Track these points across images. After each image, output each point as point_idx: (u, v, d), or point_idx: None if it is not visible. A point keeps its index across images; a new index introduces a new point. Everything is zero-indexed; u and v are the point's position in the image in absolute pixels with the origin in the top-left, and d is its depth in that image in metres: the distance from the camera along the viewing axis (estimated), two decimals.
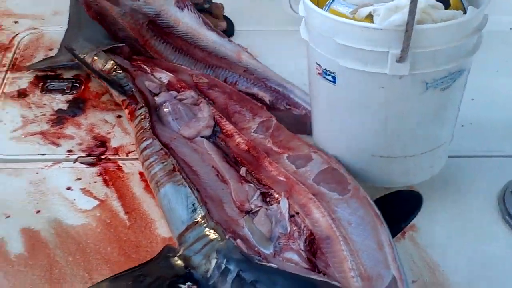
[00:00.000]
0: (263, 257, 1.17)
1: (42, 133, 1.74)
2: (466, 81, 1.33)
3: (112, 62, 1.81)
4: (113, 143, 1.70)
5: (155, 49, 1.92)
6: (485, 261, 1.36)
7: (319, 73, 1.32)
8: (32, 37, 2.16)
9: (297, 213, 1.25)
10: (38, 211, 1.50)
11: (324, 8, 1.29)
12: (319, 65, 1.31)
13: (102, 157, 1.66)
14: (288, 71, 1.84)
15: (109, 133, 1.74)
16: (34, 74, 1.98)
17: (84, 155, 1.66)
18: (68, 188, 1.56)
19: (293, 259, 1.17)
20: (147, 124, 1.53)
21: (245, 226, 1.25)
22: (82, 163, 1.64)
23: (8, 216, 1.49)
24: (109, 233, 1.43)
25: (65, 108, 1.84)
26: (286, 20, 2.00)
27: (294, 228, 1.23)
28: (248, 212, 1.29)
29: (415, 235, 1.40)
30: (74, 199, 1.53)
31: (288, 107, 1.74)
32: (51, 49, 2.08)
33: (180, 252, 1.24)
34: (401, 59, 1.18)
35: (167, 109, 1.61)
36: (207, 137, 1.52)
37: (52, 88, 1.93)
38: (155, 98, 1.67)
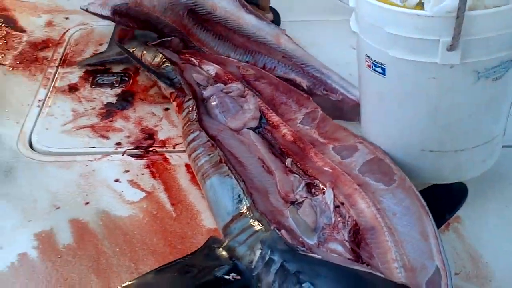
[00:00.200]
0: (307, 247, 1.16)
1: (92, 127, 1.77)
2: None
3: (161, 56, 1.83)
4: (161, 136, 1.72)
5: (197, 37, 1.94)
6: None
7: (368, 65, 1.30)
8: (82, 32, 2.20)
9: (342, 204, 1.24)
10: (87, 203, 1.52)
11: None
12: (369, 57, 1.30)
13: (150, 149, 1.67)
14: (331, 61, 1.83)
15: (156, 125, 1.76)
16: (84, 68, 2.01)
17: (132, 147, 1.68)
18: (116, 180, 1.58)
19: (337, 250, 1.16)
20: (194, 117, 1.54)
21: (290, 216, 1.24)
22: (130, 155, 1.66)
23: (58, 208, 1.51)
24: (155, 225, 1.44)
25: (114, 101, 1.87)
26: (333, 10, 1.99)
27: (339, 219, 1.22)
28: (293, 203, 1.28)
29: (459, 226, 1.38)
30: (122, 191, 1.54)
31: (325, 92, 1.74)
32: (101, 44, 2.11)
33: (225, 243, 1.24)
34: (452, 47, 1.15)
35: (214, 102, 1.61)
36: (253, 129, 1.52)
37: (101, 82, 1.96)
38: (203, 91, 1.67)
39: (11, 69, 2.03)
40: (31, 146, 1.72)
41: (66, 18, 2.27)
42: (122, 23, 2.00)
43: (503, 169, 1.48)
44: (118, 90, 1.91)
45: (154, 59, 1.83)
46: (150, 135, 1.72)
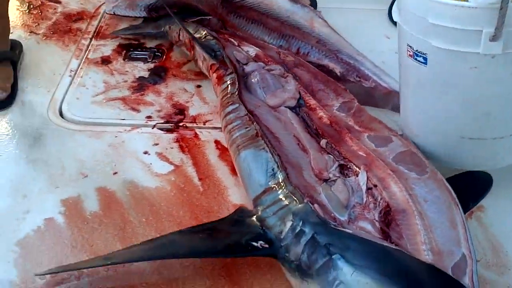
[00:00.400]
0: (338, 223, 1.16)
1: (123, 99, 1.77)
2: None
3: (202, 31, 1.83)
4: (192, 112, 1.72)
5: (231, 23, 1.93)
6: None
7: (410, 55, 1.31)
8: None
9: (375, 186, 1.23)
10: (115, 173, 1.52)
11: None
12: (410, 47, 1.31)
13: (180, 124, 1.67)
14: (365, 49, 1.82)
15: (188, 101, 1.76)
16: (117, 42, 2.01)
17: (163, 121, 1.68)
18: (145, 153, 1.58)
19: (367, 228, 1.15)
20: (235, 90, 1.54)
21: (323, 192, 1.24)
22: (160, 129, 1.66)
23: (86, 176, 1.51)
24: (182, 197, 1.44)
25: (146, 76, 1.87)
26: None
27: (371, 200, 1.21)
28: (326, 181, 1.28)
29: (482, 215, 1.37)
30: (151, 163, 1.54)
31: (358, 79, 1.73)
32: (135, 19, 2.09)
33: (256, 213, 1.24)
34: (494, 37, 1.16)
35: (256, 78, 1.61)
36: (291, 108, 1.52)
37: (134, 56, 1.96)
38: (244, 66, 1.67)
39: (44, 38, 2.04)
40: (61, 114, 1.73)
41: None
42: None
43: None
44: (151, 65, 1.91)
45: (195, 33, 1.83)
46: (181, 110, 1.72)
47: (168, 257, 1.25)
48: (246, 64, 1.68)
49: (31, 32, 2.05)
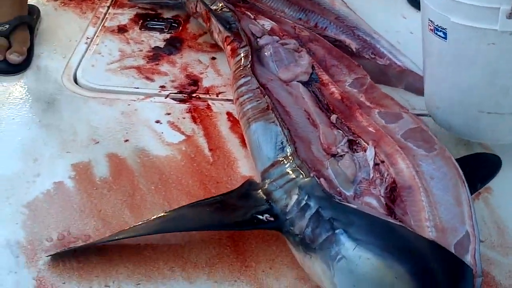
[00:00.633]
0: (344, 197, 1.15)
1: (138, 68, 1.77)
2: None
3: (221, 3, 1.82)
4: (205, 83, 1.72)
5: None
6: None
7: (431, 29, 1.34)
8: None
9: (382, 162, 1.23)
10: (127, 140, 1.53)
11: None
12: (431, 21, 1.33)
13: (193, 95, 1.67)
14: (381, 28, 1.81)
15: (202, 73, 1.76)
16: (135, 11, 2.01)
17: (176, 91, 1.68)
18: (157, 122, 1.58)
19: (372, 204, 1.15)
20: (248, 63, 1.53)
21: (330, 167, 1.23)
22: (173, 99, 1.66)
23: (97, 142, 1.52)
24: (192, 167, 1.44)
25: (162, 46, 1.87)
26: None
27: (377, 175, 1.21)
28: (334, 155, 1.27)
29: (489, 197, 1.37)
30: (162, 132, 1.55)
31: (373, 56, 1.72)
32: None
33: (263, 186, 1.25)
34: (511, 15, 1.19)
35: (269, 52, 1.60)
36: (303, 83, 1.51)
37: (151, 26, 1.96)
38: (258, 39, 1.67)
39: (62, 5, 2.04)
40: (75, 80, 1.73)
41: None
42: None
43: None
44: (167, 36, 1.91)
45: (211, 5, 1.83)
46: (194, 81, 1.72)
47: (177, 230, 1.27)
48: (260, 37, 1.68)
49: None
